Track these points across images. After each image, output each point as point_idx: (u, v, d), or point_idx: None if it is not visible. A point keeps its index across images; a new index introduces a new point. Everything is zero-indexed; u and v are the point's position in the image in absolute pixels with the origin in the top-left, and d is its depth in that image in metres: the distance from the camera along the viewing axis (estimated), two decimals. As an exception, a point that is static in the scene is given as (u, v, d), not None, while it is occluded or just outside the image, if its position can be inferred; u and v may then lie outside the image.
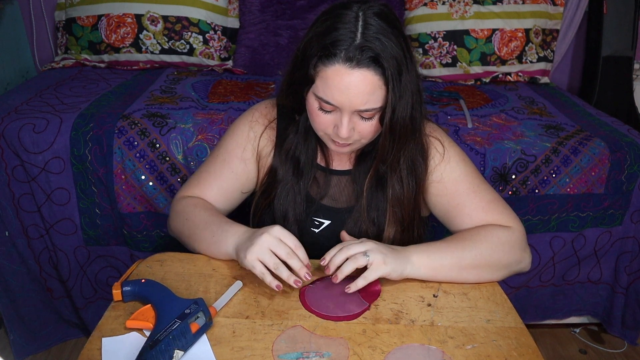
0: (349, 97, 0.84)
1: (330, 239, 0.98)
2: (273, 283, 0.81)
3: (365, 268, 0.84)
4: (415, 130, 0.92)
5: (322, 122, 0.90)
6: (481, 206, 0.96)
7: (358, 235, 0.98)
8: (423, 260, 0.88)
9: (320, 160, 1.03)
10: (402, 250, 0.89)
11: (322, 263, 0.86)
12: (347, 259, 0.84)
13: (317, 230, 1.02)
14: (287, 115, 1.02)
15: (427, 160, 0.98)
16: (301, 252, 0.85)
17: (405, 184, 0.96)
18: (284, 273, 0.82)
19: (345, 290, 0.83)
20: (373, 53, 0.82)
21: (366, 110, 0.86)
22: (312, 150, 1.01)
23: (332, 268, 0.84)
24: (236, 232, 0.90)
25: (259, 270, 0.82)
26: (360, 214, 0.99)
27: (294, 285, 0.82)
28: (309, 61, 0.86)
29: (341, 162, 1.03)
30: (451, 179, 0.98)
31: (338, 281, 0.83)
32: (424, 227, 1.06)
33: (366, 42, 0.82)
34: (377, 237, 0.99)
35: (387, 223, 0.99)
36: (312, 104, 0.89)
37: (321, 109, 0.88)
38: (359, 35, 0.82)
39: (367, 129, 0.89)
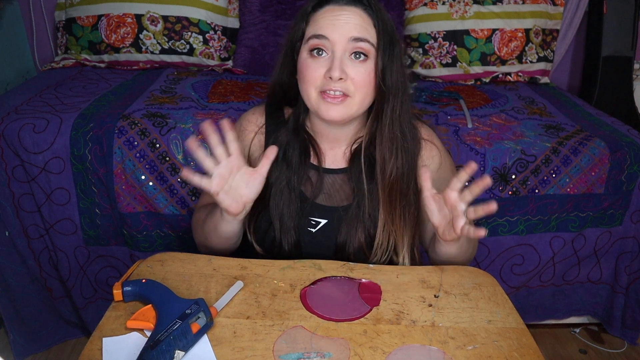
0: (340, 29, 0.90)
1: (329, 238, 0.99)
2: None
3: None
4: (405, 90, 0.96)
5: (313, 72, 0.91)
6: None
7: (354, 232, 0.98)
8: None
9: (312, 160, 1.02)
10: None
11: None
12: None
13: (314, 230, 1.02)
14: (276, 120, 1.04)
15: (419, 134, 1.01)
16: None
17: (397, 157, 0.97)
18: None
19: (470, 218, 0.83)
20: None
21: (358, 40, 0.90)
22: (304, 148, 1.01)
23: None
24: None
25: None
26: (359, 207, 0.98)
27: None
28: (303, 18, 0.93)
29: (335, 161, 1.03)
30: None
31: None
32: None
33: None
34: (374, 229, 0.98)
35: (381, 205, 0.97)
36: (305, 57, 0.93)
37: (312, 50, 0.91)
38: None
39: (359, 76, 0.91)
